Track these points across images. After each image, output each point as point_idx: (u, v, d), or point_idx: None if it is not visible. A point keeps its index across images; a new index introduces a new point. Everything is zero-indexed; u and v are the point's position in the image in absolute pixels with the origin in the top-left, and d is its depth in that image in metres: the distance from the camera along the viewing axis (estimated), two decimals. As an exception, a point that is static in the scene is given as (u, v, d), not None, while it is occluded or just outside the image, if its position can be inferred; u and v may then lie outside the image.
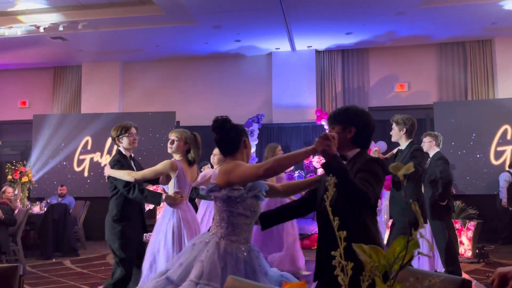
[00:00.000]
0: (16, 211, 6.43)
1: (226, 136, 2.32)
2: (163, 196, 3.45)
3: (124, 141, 3.68)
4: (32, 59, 10.32)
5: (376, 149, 4.18)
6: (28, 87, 11.04)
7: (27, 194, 7.99)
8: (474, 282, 4.96)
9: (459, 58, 9.51)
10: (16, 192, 7.59)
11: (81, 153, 9.72)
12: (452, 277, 1.32)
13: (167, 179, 3.52)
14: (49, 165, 9.66)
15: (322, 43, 9.55)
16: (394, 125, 4.08)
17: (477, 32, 8.91)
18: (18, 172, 7.79)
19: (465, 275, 5.21)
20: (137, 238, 3.67)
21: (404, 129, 3.99)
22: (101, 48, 9.59)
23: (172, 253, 3.29)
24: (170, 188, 3.51)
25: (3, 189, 7.16)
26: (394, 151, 4.24)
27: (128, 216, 3.56)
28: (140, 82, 10.57)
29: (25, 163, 8.94)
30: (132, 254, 3.57)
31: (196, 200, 4.89)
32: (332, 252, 0.68)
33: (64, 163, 9.68)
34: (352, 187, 1.81)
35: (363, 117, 2.13)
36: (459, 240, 6.63)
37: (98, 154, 9.67)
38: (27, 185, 7.97)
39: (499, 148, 8.39)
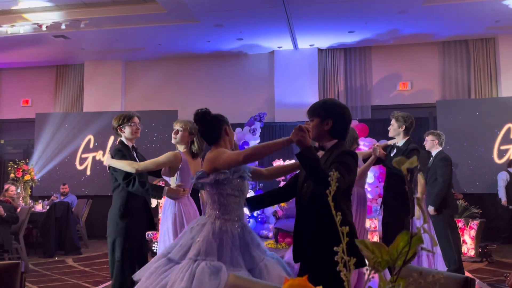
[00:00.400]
0: (18, 209, 6.44)
1: (208, 127, 2.50)
2: (165, 189, 3.31)
3: (126, 131, 3.48)
4: (34, 58, 10.33)
5: (377, 144, 4.18)
6: (30, 86, 11.06)
7: (29, 192, 8.01)
8: (477, 281, 4.94)
9: (462, 57, 9.47)
10: (18, 190, 7.61)
11: (83, 152, 9.73)
12: (455, 275, 1.31)
13: (171, 171, 3.36)
14: (52, 163, 9.68)
15: (325, 41, 9.53)
16: (393, 121, 4.14)
17: (481, 30, 8.87)
18: (21, 170, 7.80)
19: (468, 274, 5.20)
20: (140, 236, 3.44)
21: (404, 126, 4.05)
22: (103, 46, 9.60)
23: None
24: (173, 181, 3.38)
25: (6, 187, 7.17)
26: (390, 142, 4.29)
27: (132, 211, 3.34)
28: (142, 80, 10.58)
29: (27, 161, 8.96)
30: (134, 253, 3.34)
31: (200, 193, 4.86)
32: (335, 248, 0.67)
33: (67, 161, 9.69)
34: (321, 175, 1.97)
35: (339, 109, 2.27)
36: (462, 239, 6.61)
37: (101, 152, 9.68)
38: (30, 183, 7.99)
39: (503, 147, 8.35)
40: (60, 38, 8.96)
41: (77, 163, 9.72)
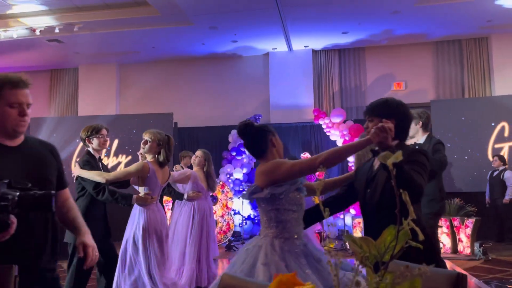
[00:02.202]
0: (13, 214, 6.42)
1: (252, 140, 2.30)
2: (134, 197, 3.46)
3: (94, 142, 3.61)
4: (28, 62, 10.30)
5: None
6: (25, 90, 11.02)
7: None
8: (473, 280, 4.96)
9: (455, 56, 9.53)
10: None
11: (78, 156, 9.69)
12: (447, 271, 1.31)
13: (140, 180, 3.50)
14: (47, 168, 9.64)
15: (319, 42, 9.56)
16: None
17: (473, 30, 8.93)
18: (16, 175, 7.77)
19: (464, 272, 5.22)
20: (97, 242, 3.50)
21: (420, 123, 3.88)
22: (98, 50, 9.58)
23: (138, 252, 3.38)
24: (141, 190, 3.52)
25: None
26: (407, 142, 4.19)
27: (91, 218, 3.31)
28: (137, 83, 10.56)
29: (22, 166, 8.90)
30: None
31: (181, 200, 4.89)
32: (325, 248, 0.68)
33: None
34: (408, 179, 1.80)
35: (402, 109, 2.15)
36: (457, 237, 6.64)
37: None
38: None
39: (497, 145, 8.40)
40: (54, 42, 8.94)
41: (72, 167, 9.67)
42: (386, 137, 1.89)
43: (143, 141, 3.57)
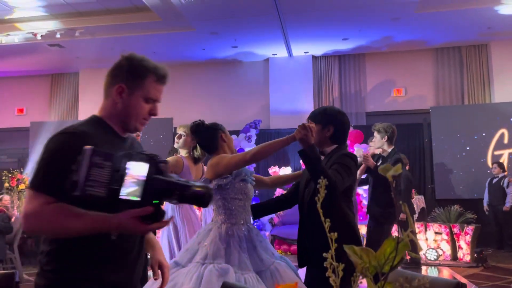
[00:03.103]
0: (13, 219, 6.41)
1: (204, 137, 2.58)
2: None
3: None
4: (29, 66, 10.33)
5: (367, 154, 4.28)
6: (25, 94, 11.04)
7: (24, 202, 7.96)
8: (473, 287, 4.95)
9: (455, 63, 9.55)
10: (13, 200, 7.57)
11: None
12: (447, 280, 1.32)
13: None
14: (47, 172, 9.64)
15: (319, 48, 9.59)
16: (375, 133, 4.28)
17: (473, 36, 8.96)
18: (15, 179, 7.77)
19: (463, 280, 5.21)
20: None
21: (386, 137, 4.19)
22: (98, 55, 9.61)
23: (172, 250, 3.29)
24: None
25: (0, 197, 7.13)
26: (376, 151, 4.43)
27: None
28: (137, 88, 10.57)
29: (22, 170, 8.91)
30: None
31: None
32: (324, 254, 0.68)
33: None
34: (322, 175, 1.96)
35: (340, 116, 2.34)
36: (457, 244, 6.64)
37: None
38: (24, 193, 7.95)
39: (496, 152, 8.41)
40: (55, 47, 8.97)
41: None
42: (307, 135, 2.10)
43: (177, 135, 3.43)
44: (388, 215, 4.06)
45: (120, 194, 1.24)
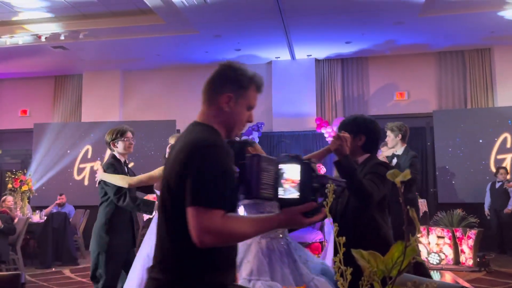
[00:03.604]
0: (16, 220, 6.43)
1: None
2: (156, 204, 3.25)
3: (119, 146, 3.46)
4: (33, 68, 10.37)
5: (382, 156, 4.33)
6: (29, 96, 11.08)
7: (27, 203, 7.98)
8: (475, 291, 4.94)
9: (458, 67, 9.55)
10: (16, 201, 7.59)
11: (81, 162, 9.72)
12: (450, 284, 1.32)
13: None
14: (49, 173, 9.66)
15: (322, 52, 9.60)
16: (389, 132, 4.37)
17: (476, 41, 8.96)
18: (18, 180, 7.79)
19: (466, 284, 5.19)
20: (125, 252, 3.35)
21: (400, 135, 4.28)
22: (102, 57, 9.65)
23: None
24: None
25: (3, 198, 7.16)
26: (386, 153, 4.49)
27: (118, 226, 3.28)
28: (140, 90, 10.61)
29: (25, 171, 8.94)
30: (118, 270, 3.29)
31: None
32: (333, 258, 0.69)
33: (64, 171, 9.68)
34: (358, 186, 1.96)
35: (371, 125, 2.33)
36: (460, 248, 6.62)
37: (98, 162, 9.67)
38: (27, 194, 7.97)
39: (499, 156, 8.39)
40: (59, 49, 9.01)
41: (75, 173, 9.71)
42: (342, 145, 2.10)
43: (168, 145, 3.41)
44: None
45: (282, 194, 1.39)
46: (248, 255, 2.29)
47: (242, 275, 2.23)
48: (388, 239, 2.12)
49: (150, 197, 4.66)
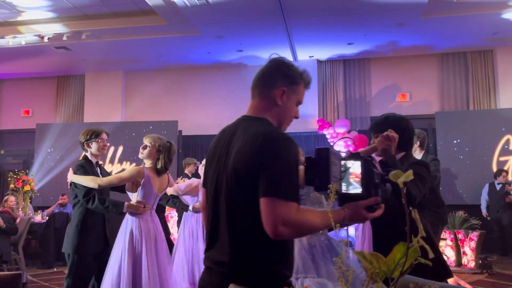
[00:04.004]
0: (17, 220, 6.43)
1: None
2: (125, 205, 3.25)
3: (93, 146, 3.45)
4: (35, 69, 10.40)
5: None
6: (31, 96, 11.11)
7: (29, 203, 7.99)
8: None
9: (460, 68, 9.54)
10: (18, 201, 7.60)
11: (83, 162, 9.73)
12: (450, 286, 1.32)
13: (135, 186, 3.31)
14: (52, 174, 9.68)
15: (324, 53, 9.60)
16: None
17: (479, 42, 8.95)
18: (21, 180, 7.80)
19: (468, 286, 5.18)
20: (97, 252, 3.34)
21: (418, 142, 4.23)
22: (104, 57, 9.66)
23: (124, 263, 3.15)
24: (134, 197, 3.33)
25: (5, 198, 7.17)
26: None
27: (89, 228, 3.29)
28: (142, 91, 10.63)
29: (27, 172, 8.96)
30: (90, 269, 3.30)
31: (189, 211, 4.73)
32: (334, 259, 0.69)
33: (67, 171, 9.67)
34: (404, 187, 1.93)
35: (403, 122, 2.30)
36: (462, 250, 6.60)
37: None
38: (29, 194, 7.98)
39: (502, 158, 8.37)
40: (61, 49, 9.03)
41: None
42: (390, 145, 2.04)
43: (142, 145, 3.41)
44: (436, 216, 3.99)
45: (345, 189, 1.42)
46: None
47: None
48: (430, 236, 2.10)
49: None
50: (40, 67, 10.27)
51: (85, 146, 3.48)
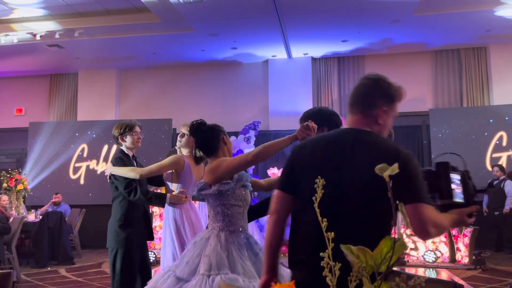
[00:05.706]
0: (11, 219, 6.39)
1: (205, 138, 2.50)
2: (168, 197, 3.19)
3: (128, 140, 3.38)
4: (28, 67, 10.32)
5: None
6: (24, 95, 11.04)
7: (22, 202, 7.94)
8: (471, 289, 4.95)
9: (454, 65, 9.58)
10: (11, 200, 7.55)
11: (77, 161, 9.69)
12: (444, 281, 1.32)
13: (175, 175, 3.26)
14: (45, 172, 9.63)
15: (318, 50, 9.60)
16: None
17: (472, 39, 8.98)
18: (14, 179, 7.75)
19: (462, 282, 5.21)
20: (142, 245, 3.34)
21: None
22: (98, 55, 9.61)
23: (175, 251, 3.12)
24: (174, 187, 3.28)
25: (-2, 197, 7.12)
26: None
27: (133, 221, 3.23)
28: (136, 89, 10.59)
29: (20, 170, 8.90)
30: (135, 264, 3.24)
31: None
32: (321, 254, 0.68)
33: (60, 170, 9.64)
34: None
35: (334, 118, 2.34)
36: (455, 246, 6.64)
37: (94, 161, 9.64)
38: (22, 193, 7.93)
39: (495, 155, 8.42)
40: (54, 47, 8.97)
41: (70, 172, 9.67)
42: (310, 134, 2.14)
43: (180, 134, 3.36)
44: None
45: (454, 198, 1.61)
46: (205, 250, 2.24)
47: (200, 271, 2.17)
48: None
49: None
50: (33, 65, 10.20)
51: (120, 140, 3.42)
